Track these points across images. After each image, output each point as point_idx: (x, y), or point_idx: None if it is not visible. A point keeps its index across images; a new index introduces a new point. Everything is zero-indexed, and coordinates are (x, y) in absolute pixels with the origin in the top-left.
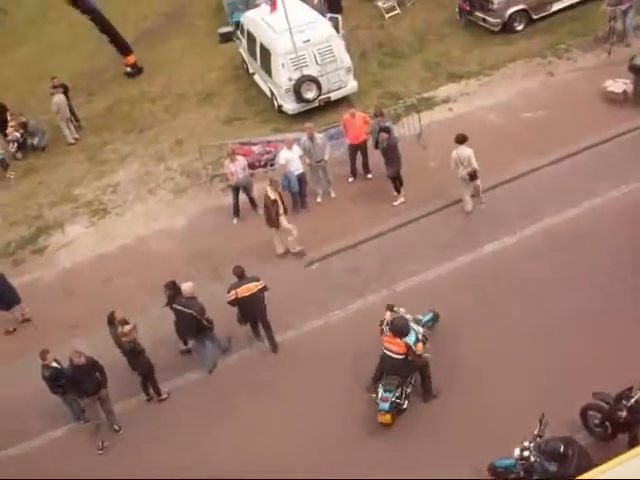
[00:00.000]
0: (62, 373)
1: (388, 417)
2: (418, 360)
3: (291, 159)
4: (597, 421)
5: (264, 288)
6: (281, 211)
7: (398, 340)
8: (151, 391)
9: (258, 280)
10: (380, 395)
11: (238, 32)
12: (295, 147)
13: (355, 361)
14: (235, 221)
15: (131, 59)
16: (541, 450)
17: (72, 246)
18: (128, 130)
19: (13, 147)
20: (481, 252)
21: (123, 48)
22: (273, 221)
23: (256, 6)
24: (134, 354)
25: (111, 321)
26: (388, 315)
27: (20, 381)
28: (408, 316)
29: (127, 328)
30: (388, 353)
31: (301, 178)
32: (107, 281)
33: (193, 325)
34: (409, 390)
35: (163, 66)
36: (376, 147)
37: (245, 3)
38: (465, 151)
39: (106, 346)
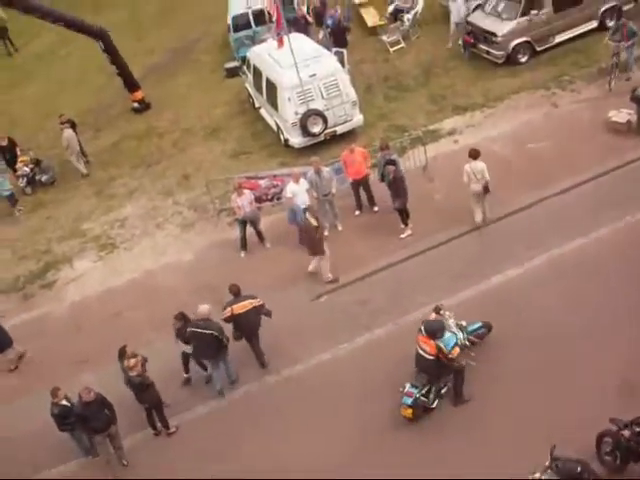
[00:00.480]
0: (71, 411)
1: (409, 411)
2: (450, 363)
3: (298, 193)
4: (609, 449)
5: (261, 306)
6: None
7: (431, 341)
8: (159, 425)
9: (254, 298)
10: (406, 389)
11: (244, 67)
12: (302, 181)
13: (363, 394)
14: (242, 254)
15: (139, 95)
16: (558, 470)
17: (81, 280)
18: (136, 165)
19: (22, 182)
20: (489, 283)
21: (131, 84)
22: (318, 247)
23: (262, 41)
24: (142, 387)
25: (122, 355)
26: (433, 317)
27: (28, 416)
28: (452, 321)
29: (133, 361)
30: (420, 352)
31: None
32: (116, 315)
33: (213, 346)
34: (443, 391)
35: (170, 101)
36: (382, 180)
37: (251, 38)
38: (478, 165)
39: (114, 381)
